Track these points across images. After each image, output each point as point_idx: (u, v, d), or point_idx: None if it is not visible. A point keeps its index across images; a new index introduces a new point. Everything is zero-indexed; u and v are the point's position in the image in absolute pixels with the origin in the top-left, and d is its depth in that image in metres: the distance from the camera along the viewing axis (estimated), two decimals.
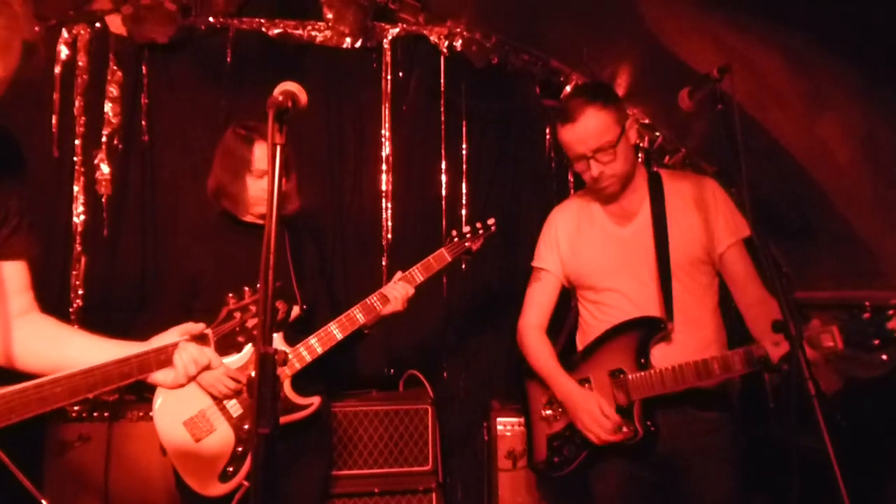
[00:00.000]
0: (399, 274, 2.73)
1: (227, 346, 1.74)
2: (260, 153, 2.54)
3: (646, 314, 2.31)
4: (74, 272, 3.55)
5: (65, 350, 1.65)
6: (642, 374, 2.24)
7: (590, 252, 2.45)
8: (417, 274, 2.72)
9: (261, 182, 2.56)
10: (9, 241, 1.64)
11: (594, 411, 2.28)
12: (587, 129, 2.24)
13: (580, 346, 2.49)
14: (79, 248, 3.57)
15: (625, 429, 2.25)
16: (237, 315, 1.73)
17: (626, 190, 2.38)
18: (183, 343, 1.65)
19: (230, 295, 1.76)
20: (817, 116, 2.89)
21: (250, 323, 1.73)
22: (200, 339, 1.69)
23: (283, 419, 2.51)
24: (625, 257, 2.37)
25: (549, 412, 2.46)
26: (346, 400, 3.29)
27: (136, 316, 3.20)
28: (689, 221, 2.33)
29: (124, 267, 3.59)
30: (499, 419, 3.31)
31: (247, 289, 1.75)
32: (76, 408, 3.05)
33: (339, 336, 2.56)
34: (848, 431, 2.59)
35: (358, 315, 2.59)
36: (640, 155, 4.14)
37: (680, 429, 2.25)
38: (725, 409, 2.33)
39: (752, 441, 2.46)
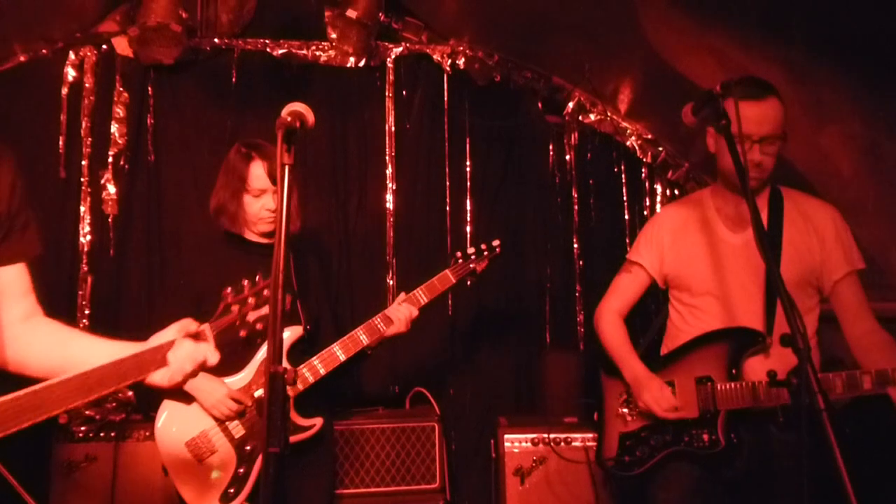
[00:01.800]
0: (403, 295, 2.72)
1: (227, 340, 1.68)
2: (257, 172, 2.54)
3: (743, 325, 2.25)
4: (81, 292, 3.56)
5: (67, 351, 1.61)
6: (732, 384, 2.19)
7: (695, 253, 2.39)
8: (421, 296, 2.71)
9: (258, 201, 2.55)
10: (5, 245, 1.59)
11: (655, 391, 2.29)
12: (769, 114, 2.18)
13: (666, 350, 2.45)
14: (85, 267, 3.58)
15: (682, 411, 2.24)
16: (235, 308, 1.68)
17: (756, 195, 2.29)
18: (179, 340, 1.61)
19: (228, 290, 1.71)
20: (820, 128, 2.90)
21: (251, 316, 1.68)
22: (198, 335, 1.64)
23: None
24: (731, 264, 2.31)
25: (625, 410, 2.43)
26: (352, 418, 3.28)
27: (143, 335, 3.20)
28: (806, 242, 2.28)
29: (130, 287, 3.60)
30: (506, 436, 3.29)
31: (245, 282, 1.70)
32: (83, 428, 3.05)
33: (343, 357, 2.56)
34: (856, 443, 2.58)
35: (361, 336, 2.59)
36: (643, 170, 4.16)
37: (761, 449, 2.19)
38: (811, 432, 2.25)
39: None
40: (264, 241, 2.66)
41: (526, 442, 3.26)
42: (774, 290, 2.19)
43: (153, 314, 3.47)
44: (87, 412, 3.09)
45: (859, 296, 2.27)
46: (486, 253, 2.83)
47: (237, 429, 2.48)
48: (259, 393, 2.50)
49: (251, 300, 1.67)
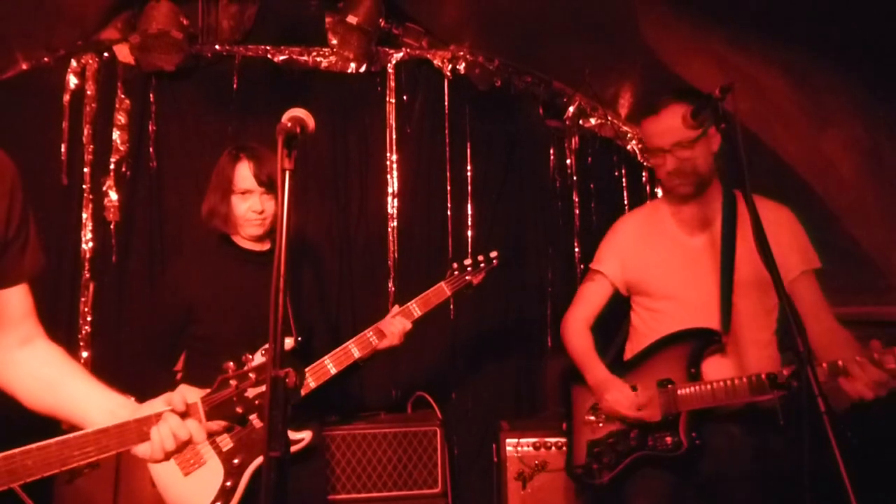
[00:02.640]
0: (397, 308, 2.69)
1: (223, 417, 1.57)
2: (243, 172, 2.52)
3: (701, 325, 2.28)
4: (83, 298, 3.57)
5: (59, 395, 1.55)
6: (691, 385, 2.21)
7: (654, 258, 2.43)
8: (415, 308, 2.68)
9: (244, 202, 2.53)
10: (4, 267, 1.54)
11: (617, 391, 2.31)
12: (669, 123, 2.25)
13: (629, 355, 2.48)
14: (87, 274, 3.59)
15: (645, 410, 2.25)
16: (233, 383, 1.56)
17: (699, 200, 2.36)
18: (166, 414, 1.50)
19: (229, 363, 1.61)
20: (821, 132, 2.90)
21: (250, 392, 1.55)
22: (187, 413, 1.53)
23: None
24: (688, 267, 2.35)
25: (592, 418, 2.42)
26: (354, 422, 3.29)
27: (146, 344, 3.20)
28: None
29: (132, 293, 3.60)
30: (508, 440, 3.29)
31: (248, 356, 1.61)
32: None
33: (334, 371, 2.51)
34: (859, 448, 2.57)
35: (353, 350, 2.55)
36: (643, 174, 4.16)
37: (725, 452, 2.20)
38: (775, 435, 2.20)
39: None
40: (257, 248, 2.64)
41: (527, 446, 3.26)
42: (729, 291, 2.24)
43: (146, 324, 3.47)
44: None
45: (816, 295, 2.27)
46: (482, 265, 2.80)
47: (225, 442, 2.46)
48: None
49: (252, 376, 1.56)
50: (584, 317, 2.60)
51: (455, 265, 2.78)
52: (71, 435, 1.43)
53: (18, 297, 1.59)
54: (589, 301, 2.60)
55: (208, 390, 1.56)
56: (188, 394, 1.54)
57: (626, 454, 2.31)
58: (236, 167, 2.54)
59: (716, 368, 2.24)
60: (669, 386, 2.25)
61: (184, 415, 1.51)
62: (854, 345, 2.14)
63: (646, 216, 2.54)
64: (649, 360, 2.35)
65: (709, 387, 2.17)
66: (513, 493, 3.23)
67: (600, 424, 2.40)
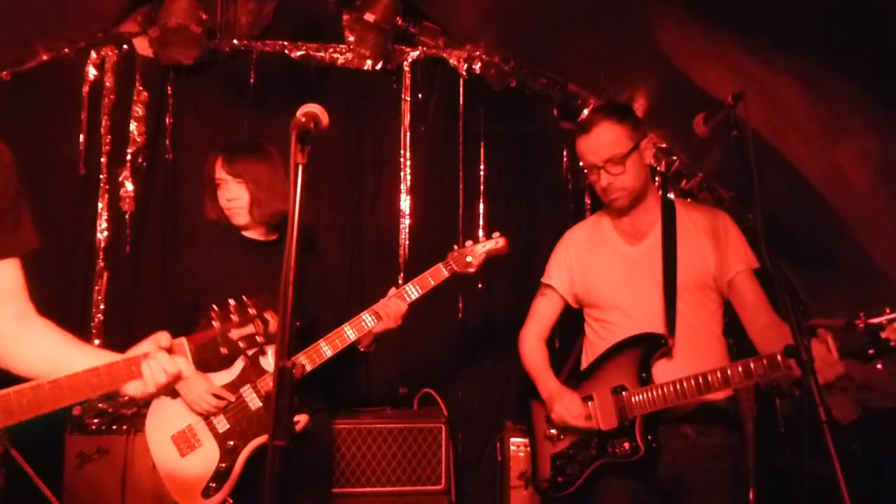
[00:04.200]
0: (393, 290, 2.66)
1: (208, 357, 1.67)
2: (216, 166, 2.64)
3: (647, 331, 2.34)
4: (97, 287, 3.62)
5: (55, 357, 1.60)
6: (643, 389, 2.26)
7: (598, 269, 2.49)
8: (413, 290, 2.64)
9: (222, 194, 2.64)
10: None
11: (566, 401, 2.37)
12: (599, 140, 2.33)
13: (584, 365, 2.52)
14: (102, 263, 3.64)
15: (594, 420, 2.31)
16: (217, 325, 1.67)
17: (637, 209, 2.43)
18: (153, 352, 1.59)
19: (214, 307, 1.70)
20: (834, 143, 2.89)
21: (234, 334, 1.66)
22: (172, 349, 1.62)
23: (266, 439, 2.49)
24: (631, 275, 2.41)
25: (552, 431, 2.46)
26: (360, 417, 3.31)
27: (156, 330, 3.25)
28: (699, 247, 2.37)
29: (145, 283, 3.65)
30: (512, 439, 3.31)
31: (231, 301, 1.70)
32: (95, 420, 3.09)
33: (329, 353, 2.49)
34: (863, 461, 2.57)
35: (348, 331, 2.52)
36: (657, 179, 4.15)
37: (681, 453, 2.26)
38: (730, 432, 2.34)
39: (767, 468, 2.44)
40: (264, 238, 2.70)
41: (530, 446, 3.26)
42: (672, 296, 2.31)
43: (158, 312, 3.52)
44: (99, 405, 3.14)
45: (756, 292, 2.32)
46: (484, 247, 2.73)
47: (221, 424, 2.50)
48: (245, 388, 2.51)
49: (235, 318, 1.65)
50: (538, 332, 2.66)
51: (456, 247, 2.73)
52: (63, 376, 1.49)
53: (12, 271, 1.63)
54: (541, 316, 2.67)
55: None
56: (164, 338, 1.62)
57: (587, 464, 2.35)
58: (214, 164, 2.65)
59: (665, 371, 2.28)
60: (623, 392, 2.30)
61: (170, 352, 1.59)
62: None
63: (590, 228, 2.61)
64: (602, 368, 2.40)
65: (659, 390, 2.23)
66: (516, 492, 3.25)
67: (560, 437, 2.44)
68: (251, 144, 2.77)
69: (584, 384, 2.43)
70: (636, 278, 2.40)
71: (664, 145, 4.06)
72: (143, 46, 3.71)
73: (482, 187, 4.00)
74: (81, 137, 3.64)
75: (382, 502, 3.20)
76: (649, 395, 2.25)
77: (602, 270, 2.48)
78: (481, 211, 3.99)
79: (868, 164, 2.83)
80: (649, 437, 2.25)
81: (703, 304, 2.35)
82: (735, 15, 2.67)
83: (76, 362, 1.56)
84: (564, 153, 4.09)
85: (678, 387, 2.19)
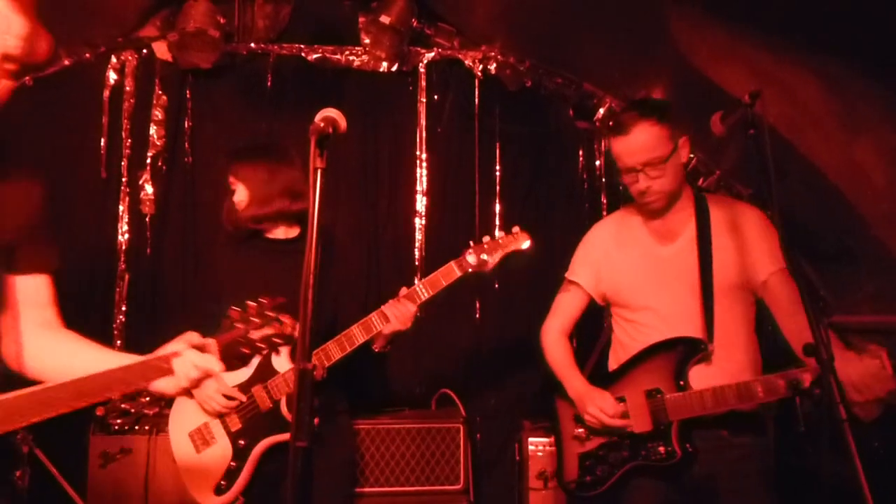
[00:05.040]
0: (404, 290, 2.57)
1: (231, 356, 1.72)
2: (227, 172, 2.72)
3: (684, 335, 2.29)
4: (118, 289, 3.67)
5: (81, 362, 1.65)
6: (681, 394, 2.22)
7: (628, 269, 2.44)
8: (422, 290, 2.55)
9: (234, 197, 2.70)
10: (29, 255, 1.67)
11: (598, 400, 2.33)
12: (638, 143, 2.25)
13: (614, 365, 2.48)
14: (123, 266, 3.68)
15: (628, 420, 2.28)
16: (240, 326, 1.73)
17: (671, 209, 2.37)
18: (184, 350, 1.66)
19: (233, 308, 1.76)
20: (853, 139, 2.87)
21: (254, 334, 1.72)
22: (203, 347, 1.69)
23: (275, 439, 2.52)
24: (664, 276, 2.36)
25: (580, 430, 2.43)
26: (378, 417, 3.33)
27: (177, 332, 3.29)
28: (733, 246, 2.31)
29: (166, 285, 3.69)
30: (530, 439, 3.31)
31: (250, 303, 1.75)
32: (118, 421, 3.13)
33: (337, 355, 2.47)
34: (886, 459, 2.54)
35: (357, 333, 2.49)
36: None
37: (714, 454, 2.23)
38: (759, 434, 2.31)
39: (787, 468, 2.42)
40: (283, 236, 2.73)
41: (550, 446, 3.26)
42: (710, 298, 2.25)
43: (186, 310, 3.57)
44: (122, 405, 3.18)
45: (792, 292, 2.18)
46: (500, 242, 2.64)
47: (234, 422, 2.53)
48: (257, 388, 2.54)
49: (255, 320, 1.72)
50: (561, 327, 2.62)
51: (472, 243, 2.61)
52: (98, 372, 1.57)
53: (42, 286, 1.72)
54: (564, 311, 2.62)
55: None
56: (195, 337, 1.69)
57: (618, 465, 2.32)
58: (227, 170, 2.72)
59: (702, 376, 2.24)
60: (658, 395, 2.26)
61: (200, 350, 1.65)
62: (836, 343, 2.09)
63: (618, 225, 2.55)
64: (634, 370, 2.35)
65: (699, 396, 2.19)
66: (534, 491, 3.25)
67: (589, 437, 2.40)
68: (254, 146, 2.84)
69: (614, 385, 2.38)
70: (669, 279, 2.35)
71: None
72: (162, 51, 3.75)
73: (498, 187, 4.00)
74: (102, 141, 3.69)
75: (401, 502, 3.21)
76: (688, 400, 2.21)
77: (632, 270, 2.42)
78: (497, 211, 3.99)
79: (887, 160, 2.81)
80: (687, 444, 2.21)
81: (739, 306, 2.30)
82: (752, 12, 2.65)
83: (101, 367, 1.60)
84: (580, 153, 4.08)
85: (719, 395, 2.15)
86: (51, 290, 1.74)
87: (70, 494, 2.91)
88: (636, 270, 2.41)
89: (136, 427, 3.13)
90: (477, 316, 3.89)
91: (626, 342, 2.45)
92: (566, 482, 2.45)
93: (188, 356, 1.64)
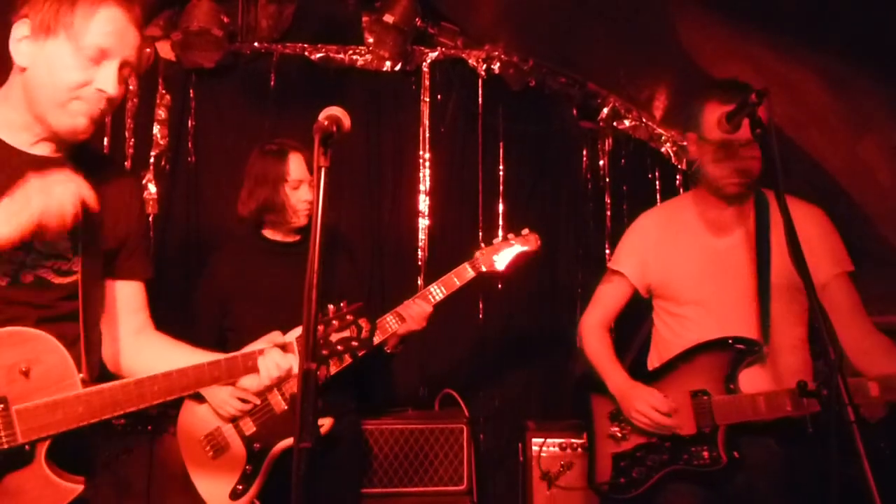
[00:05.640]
0: (419, 291, 2.67)
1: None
2: (296, 163, 2.63)
3: (737, 334, 2.15)
4: None
5: (172, 362, 1.72)
6: (731, 397, 2.09)
7: (679, 260, 2.30)
8: (437, 291, 2.62)
9: (295, 193, 2.62)
10: (129, 263, 1.78)
11: (647, 396, 2.20)
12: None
13: (656, 362, 2.35)
14: None
15: (678, 420, 2.14)
16: (321, 328, 1.75)
17: (735, 201, 2.23)
18: (268, 349, 1.73)
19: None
20: (859, 138, 2.86)
21: (333, 337, 1.77)
22: (285, 347, 1.76)
23: (292, 441, 2.50)
24: (717, 270, 2.23)
25: (615, 429, 2.31)
26: (381, 418, 3.32)
27: (180, 333, 3.28)
28: None
29: (170, 285, 3.68)
30: (534, 439, 3.30)
31: (330, 306, 1.79)
32: (121, 421, 3.13)
33: (354, 356, 2.50)
34: (891, 459, 2.53)
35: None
36: (677, 176, 4.13)
37: (759, 464, 2.11)
38: (804, 444, 2.09)
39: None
40: (287, 239, 2.71)
41: (553, 447, 3.26)
42: (767, 297, 2.13)
43: (189, 309, 3.56)
44: None
45: (852, 298, 2.15)
46: (512, 244, 2.74)
47: (248, 426, 2.52)
48: (272, 392, 2.53)
49: (335, 322, 1.77)
50: (602, 320, 2.49)
51: (483, 245, 2.71)
52: (189, 366, 1.66)
53: (137, 291, 1.83)
54: (606, 303, 2.49)
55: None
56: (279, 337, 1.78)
57: (656, 468, 2.20)
58: (289, 159, 2.62)
59: (753, 379, 2.12)
60: (705, 397, 2.14)
61: (283, 349, 1.73)
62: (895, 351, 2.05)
63: (669, 214, 2.41)
64: (679, 368, 2.23)
65: (751, 400, 2.06)
66: (538, 492, 3.24)
67: (626, 436, 2.29)
68: None
69: (655, 383, 2.25)
70: (722, 274, 2.21)
71: (685, 143, 4.03)
72: (165, 50, 3.75)
73: (501, 187, 4.00)
74: (106, 140, 3.69)
75: (404, 503, 3.21)
76: (739, 404, 2.08)
77: (684, 262, 2.28)
78: (501, 211, 3.98)
79: (892, 158, 2.79)
80: (735, 451, 2.09)
81: (794, 308, 2.17)
82: (757, 10, 2.64)
83: (191, 364, 1.68)
84: (584, 152, 4.07)
85: (773, 400, 2.02)
86: (145, 295, 1.85)
87: None
88: (688, 262, 2.28)
89: (139, 427, 3.12)
90: (480, 316, 3.88)
91: (670, 338, 2.32)
92: (598, 483, 2.33)
93: (272, 355, 1.71)
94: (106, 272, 1.74)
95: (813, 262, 2.12)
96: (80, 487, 1.54)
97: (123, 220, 1.74)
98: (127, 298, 1.81)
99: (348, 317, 1.78)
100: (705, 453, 2.12)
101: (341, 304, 1.79)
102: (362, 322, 1.78)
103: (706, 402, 2.13)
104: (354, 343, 1.77)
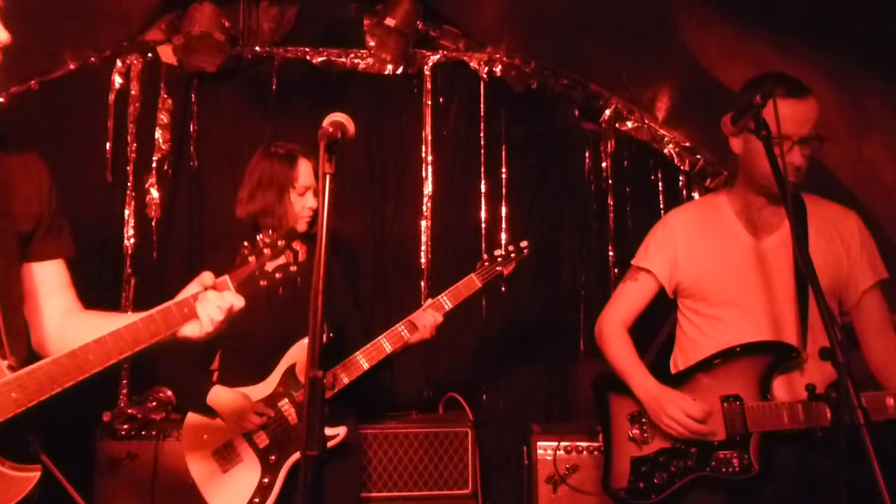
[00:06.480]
0: (428, 301, 2.69)
1: (250, 291, 1.70)
2: (304, 169, 2.61)
3: (775, 338, 2.08)
4: (125, 293, 3.66)
5: (105, 330, 1.64)
6: (766, 404, 2.02)
7: (713, 259, 2.20)
8: (446, 301, 2.65)
9: (301, 199, 2.60)
10: (45, 242, 1.70)
11: (679, 401, 2.10)
12: (813, 113, 2.03)
13: (681, 364, 2.27)
14: (129, 269, 3.68)
15: (713, 427, 2.06)
16: (252, 259, 1.71)
17: (776, 200, 2.15)
18: (202, 293, 1.64)
19: (245, 243, 1.75)
20: (863, 138, 2.85)
21: (269, 266, 1.72)
22: (217, 286, 1.69)
23: None
24: (756, 272, 2.14)
25: (636, 431, 2.22)
26: (386, 422, 3.31)
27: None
28: (832, 251, 2.12)
29: (172, 288, 3.66)
30: (539, 442, 3.28)
31: (260, 236, 1.75)
32: (125, 426, 3.12)
33: (366, 366, 2.53)
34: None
35: (385, 344, 2.56)
36: (681, 178, 4.12)
37: (791, 473, 2.04)
38: (833, 452, 2.00)
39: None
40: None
41: (559, 450, 3.25)
42: (806, 301, 2.05)
43: None
44: (129, 411, 3.17)
45: (883, 309, 2.11)
46: (513, 255, 2.76)
47: (261, 439, 2.50)
48: (283, 402, 2.52)
49: (267, 251, 1.71)
50: (623, 319, 2.37)
51: (486, 256, 2.76)
52: (122, 326, 1.56)
53: (59, 271, 1.74)
54: (629, 302, 2.37)
55: None
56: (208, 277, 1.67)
57: (680, 474, 2.11)
58: (298, 164, 2.60)
59: (789, 386, 2.05)
60: (737, 403, 2.06)
61: (215, 289, 1.65)
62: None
63: (703, 212, 2.30)
64: (710, 372, 2.14)
65: (790, 409, 1.99)
66: (543, 495, 3.22)
67: (647, 440, 2.20)
68: None
69: (682, 387, 2.17)
70: (761, 276, 2.12)
71: (688, 144, 4.03)
72: (167, 54, 3.75)
73: (504, 190, 3.99)
74: (108, 145, 3.69)
75: None
76: (775, 412, 2.00)
77: (718, 261, 2.19)
78: (504, 214, 3.97)
79: None
80: (768, 459, 2.02)
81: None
82: (761, 11, 2.64)
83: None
84: (587, 154, 4.07)
85: (812, 410, 1.94)
86: (67, 274, 1.75)
87: (76, 500, 2.90)
88: (723, 262, 2.18)
89: (143, 433, 3.12)
90: (484, 318, 3.87)
91: (700, 340, 2.21)
92: (615, 488, 2.22)
93: (209, 298, 1.63)
94: (22, 256, 1.66)
95: (854, 269, 2.10)
96: (36, 475, 1.49)
97: (35, 199, 1.66)
98: (49, 279, 1.71)
99: (280, 242, 1.73)
100: (735, 461, 2.04)
101: (271, 232, 1.75)
102: (296, 245, 1.73)
103: (739, 408, 2.05)
104: (293, 268, 1.73)
